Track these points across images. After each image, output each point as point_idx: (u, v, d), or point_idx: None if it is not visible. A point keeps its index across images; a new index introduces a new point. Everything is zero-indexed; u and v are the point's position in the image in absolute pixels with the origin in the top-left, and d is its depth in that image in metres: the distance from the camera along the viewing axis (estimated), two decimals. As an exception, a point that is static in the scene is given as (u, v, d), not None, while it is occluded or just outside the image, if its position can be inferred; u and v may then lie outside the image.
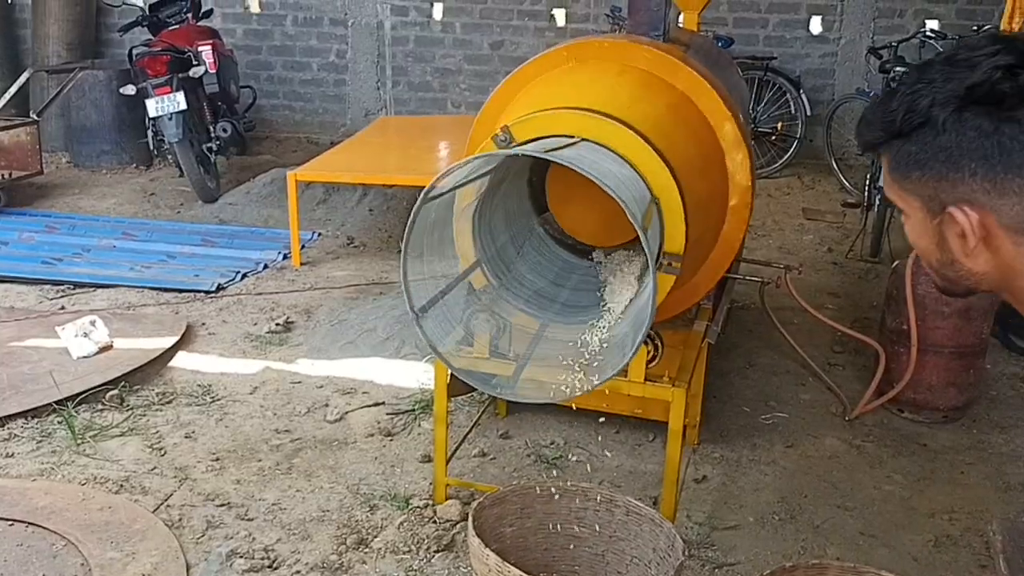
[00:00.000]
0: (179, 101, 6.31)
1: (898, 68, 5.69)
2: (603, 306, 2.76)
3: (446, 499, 3.11)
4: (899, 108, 1.34)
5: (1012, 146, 1.26)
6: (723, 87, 3.02)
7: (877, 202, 5.55)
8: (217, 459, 3.40)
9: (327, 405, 3.79)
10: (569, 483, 2.87)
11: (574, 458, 3.45)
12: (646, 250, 2.17)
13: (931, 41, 6.51)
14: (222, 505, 3.12)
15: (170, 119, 6.32)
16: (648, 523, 2.64)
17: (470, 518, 2.47)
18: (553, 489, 2.72)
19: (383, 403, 3.80)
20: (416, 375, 4.00)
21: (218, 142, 6.77)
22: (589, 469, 3.38)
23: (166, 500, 3.13)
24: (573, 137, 2.53)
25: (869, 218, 5.68)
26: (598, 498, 2.72)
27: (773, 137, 7.71)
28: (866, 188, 5.76)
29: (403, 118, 8.11)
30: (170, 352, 4.18)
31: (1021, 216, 1.30)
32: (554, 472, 3.35)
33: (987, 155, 1.28)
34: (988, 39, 1.31)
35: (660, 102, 2.86)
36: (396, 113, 8.50)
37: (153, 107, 6.34)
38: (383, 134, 6.81)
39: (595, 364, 2.52)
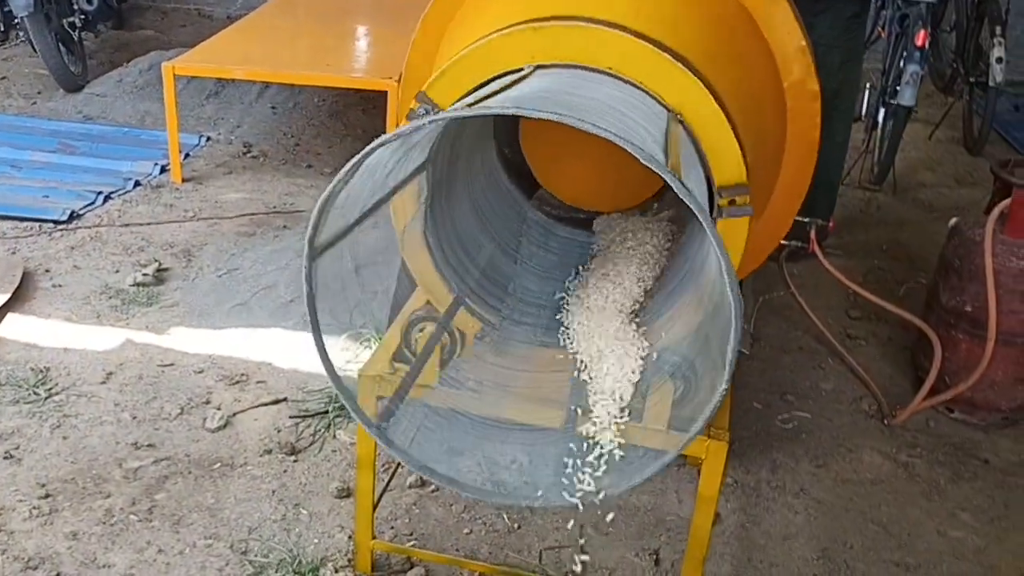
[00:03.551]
0: (28, -38, 4.98)
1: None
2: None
3: (372, 570, 2.22)
4: None
5: None
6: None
7: (882, 118, 4.64)
8: (47, 495, 2.42)
9: (208, 402, 2.81)
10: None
11: (544, 487, 2.57)
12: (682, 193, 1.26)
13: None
14: (46, 580, 2.17)
15: (17, -14, 5.00)
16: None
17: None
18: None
19: (285, 399, 2.84)
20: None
21: (82, 16, 5.46)
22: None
23: (-37, 572, 2.17)
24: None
25: (874, 137, 4.76)
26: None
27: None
28: (869, 100, 4.80)
29: (315, -9, 6.82)
30: (-4, 316, 3.13)
31: None
32: (517, 512, 2.48)
33: None
34: None
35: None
36: (307, -16, 7.19)
37: (-6, -31, 5.01)
38: (290, 13, 5.57)
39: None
